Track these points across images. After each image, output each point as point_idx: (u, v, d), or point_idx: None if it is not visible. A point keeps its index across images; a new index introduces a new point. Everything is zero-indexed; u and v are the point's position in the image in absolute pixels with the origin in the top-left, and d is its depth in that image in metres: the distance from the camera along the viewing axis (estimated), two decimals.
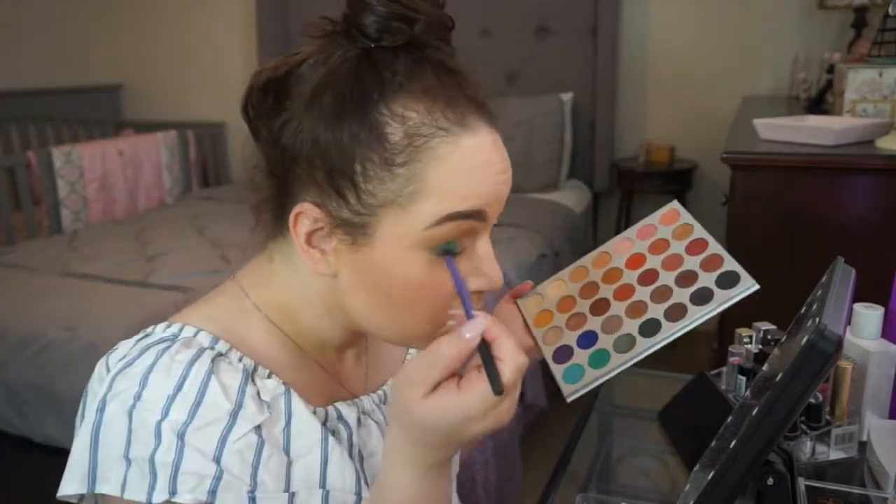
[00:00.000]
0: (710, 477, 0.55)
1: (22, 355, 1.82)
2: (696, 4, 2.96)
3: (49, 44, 3.68)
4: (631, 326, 0.64)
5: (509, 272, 2.14)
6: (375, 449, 0.66)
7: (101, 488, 0.52)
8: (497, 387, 0.48)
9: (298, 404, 0.60)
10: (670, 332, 0.62)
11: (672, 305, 0.63)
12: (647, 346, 0.62)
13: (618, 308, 0.67)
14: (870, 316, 0.79)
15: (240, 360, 0.59)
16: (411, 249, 0.55)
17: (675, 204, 0.73)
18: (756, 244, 1.61)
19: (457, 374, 0.51)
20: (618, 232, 3.57)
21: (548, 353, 0.67)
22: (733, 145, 1.65)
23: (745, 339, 0.88)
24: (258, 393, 0.57)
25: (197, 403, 0.53)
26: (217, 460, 0.53)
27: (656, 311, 0.64)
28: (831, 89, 2.02)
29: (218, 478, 0.52)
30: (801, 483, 0.63)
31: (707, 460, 0.62)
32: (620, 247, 0.72)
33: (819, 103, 2.14)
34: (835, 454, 0.77)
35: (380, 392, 0.71)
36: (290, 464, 0.58)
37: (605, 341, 0.65)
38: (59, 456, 1.88)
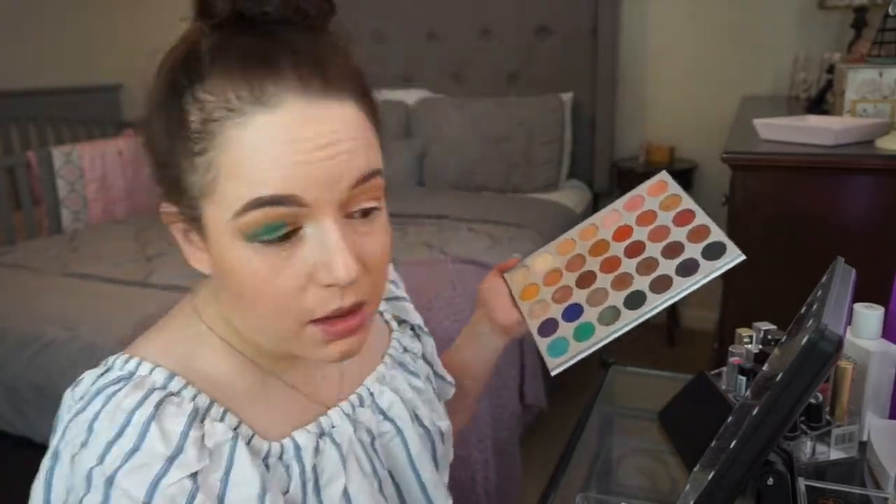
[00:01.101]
0: (710, 477, 0.55)
1: (22, 355, 1.82)
2: (695, 4, 2.96)
3: (49, 44, 3.68)
4: (616, 299, 0.65)
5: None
6: (334, 475, 0.62)
7: None
8: None
9: (242, 453, 0.56)
10: (655, 303, 0.62)
11: (658, 277, 0.64)
12: (631, 319, 0.62)
13: (603, 281, 0.67)
14: (870, 316, 0.79)
15: (193, 398, 0.56)
16: (231, 240, 0.52)
17: (663, 175, 0.73)
18: (756, 244, 1.61)
19: None
20: None
21: (533, 327, 0.67)
22: (733, 145, 1.65)
23: (745, 339, 0.88)
24: (203, 437, 0.55)
25: (134, 450, 0.51)
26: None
27: (642, 283, 0.64)
28: (831, 89, 2.01)
29: None
30: (801, 483, 0.63)
31: (707, 460, 0.62)
32: (608, 219, 0.73)
33: (819, 103, 2.14)
34: (835, 454, 0.77)
35: (352, 397, 0.68)
36: None
37: (590, 314, 0.65)
38: None
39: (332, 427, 0.64)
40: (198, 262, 0.57)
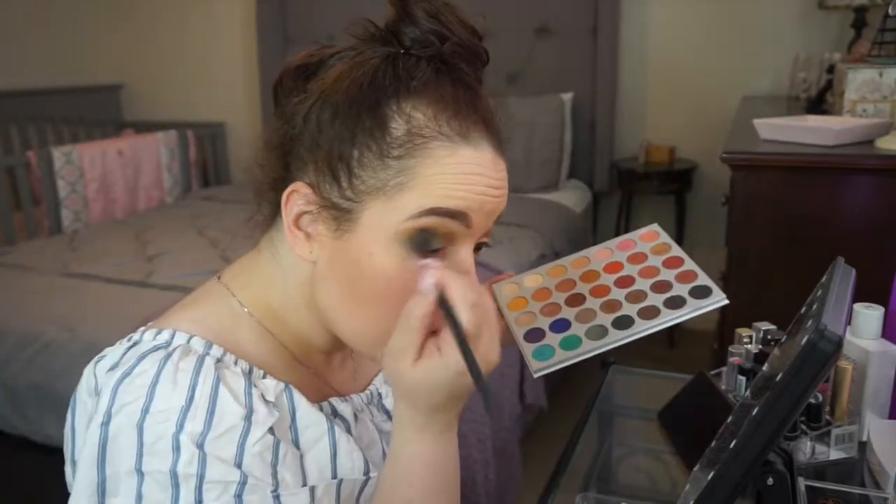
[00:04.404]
0: (710, 477, 0.55)
1: (22, 355, 1.82)
2: (696, 4, 2.96)
3: (49, 44, 3.68)
4: (604, 319, 0.66)
5: (509, 272, 2.13)
6: (372, 440, 0.68)
7: (111, 502, 0.52)
8: (459, 336, 0.51)
9: (300, 399, 0.61)
10: (642, 328, 0.63)
11: (646, 307, 0.65)
12: (618, 338, 0.63)
13: (592, 303, 0.68)
14: (870, 316, 0.79)
15: (236, 363, 0.59)
16: (389, 242, 0.56)
17: (655, 226, 0.76)
18: (756, 244, 1.61)
19: (435, 334, 0.53)
20: (617, 232, 3.57)
21: (519, 333, 0.68)
22: (733, 145, 1.65)
23: (745, 339, 0.88)
24: (262, 395, 0.58)
25: (211, 413, 0.53)
26: (239, 465, 0.53)
27: (630, 309, 0.66)
28: (831, 89, 2.02)
29: (242, 483, 0.53)
30: (801, 483, 0.63)
31: (707, 460, 0.62)
32: (600, 254, 0.75)
33: (819, 103, 2.14)
34: (835, 454, 0.77)
35: (367, 392, 0.72)
36: (301, 457, 0.59)
37: (577, 329, 0.66)
38: (58, 456, 1.88)
39: (362, 409, 0.69)
40: (300, 248, 0.59)
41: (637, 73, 3.09)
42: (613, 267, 0.72)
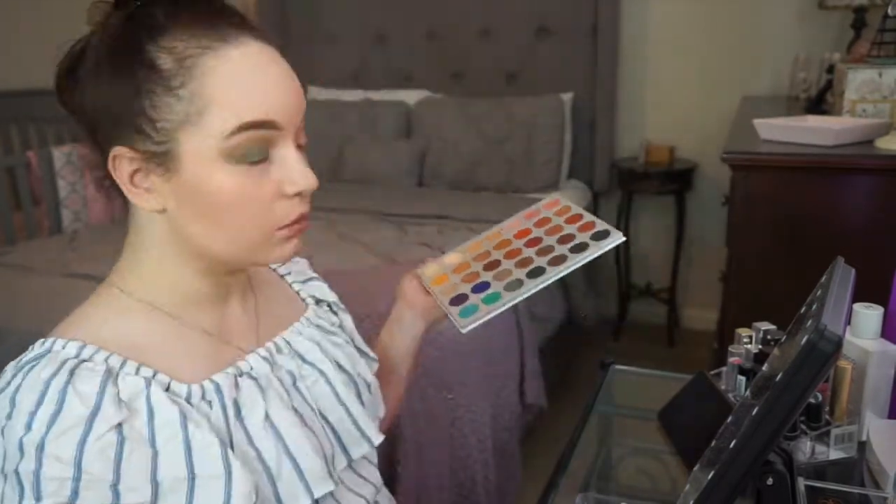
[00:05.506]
0: (710, 477, 0.55)
1: None
2: (696, 4, 2.96)
3: (49, 44, 3.67)
4: (519, 273, 0.75)
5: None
6: (254, 404, 0.67)
7: None
8: None
9: (158, 397, 0.61)
10: (553, 272, 0.73)
11: (555, 256, 0.75)
12: (534, 285, 0.72)
13: (508, 264, 0.78)
14: (870, 316, 0.80)
15: (105, 360, 0.61)
16: (214, 163, 0.60)
17: (555, 194, 0.87)
18: (756, 244, 1.61)
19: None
20: None
21: (444, 301, 0.76)
22: (733, 145, 1.65)
23: (745, 339, 0.88)
24: (118, 393, 0.60)
25: (55, 414, 0.56)
26: (77, 464, 0.56)
27: (541, 261, 0.75)
28: (831, 89, 2.02)
29: (77, 479, 0.56)
30: (801, 483, 0.63)
31: (707, 460, 0.62)
32: (510, 225, 0.85)
33: (819, 103, 2.14)
34: (834, 454, 0.77)
35: (269, 345, 0.73)
36: (156, 455, 0.60)
37: (496, 286, 0.75)
38: None
39: (251, 368, 0.70)
40: (145, 202, 0.63)
41: (637, 73, 3.09)
42: (523, 233, 0.82)
